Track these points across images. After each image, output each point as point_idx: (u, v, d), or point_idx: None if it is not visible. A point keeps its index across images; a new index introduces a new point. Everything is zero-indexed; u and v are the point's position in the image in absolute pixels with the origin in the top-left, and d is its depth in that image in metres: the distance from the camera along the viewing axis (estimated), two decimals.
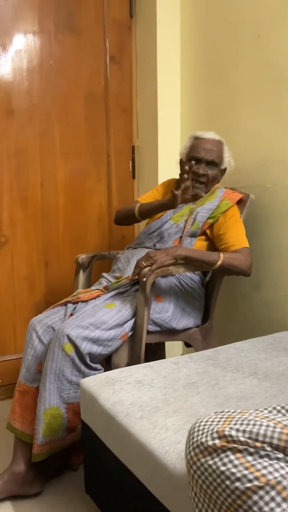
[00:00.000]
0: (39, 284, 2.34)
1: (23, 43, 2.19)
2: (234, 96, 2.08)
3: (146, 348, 1.63)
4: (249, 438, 0.72)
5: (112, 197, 2.49)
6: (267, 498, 0.67)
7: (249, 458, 0.70)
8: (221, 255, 1.65)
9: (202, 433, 0.76)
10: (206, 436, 0.75)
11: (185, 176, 1.64)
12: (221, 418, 0.77)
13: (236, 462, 0.71)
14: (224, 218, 1.81)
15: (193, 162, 1.68)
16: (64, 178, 2.35)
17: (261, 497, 0.67)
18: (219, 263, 1.64)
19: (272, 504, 0.67)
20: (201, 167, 1.81)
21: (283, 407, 0.81)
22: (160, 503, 0.99)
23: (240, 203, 1.88)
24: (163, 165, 2.37)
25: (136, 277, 1.62)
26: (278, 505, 0.67)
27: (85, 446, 1.39)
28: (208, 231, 1.84)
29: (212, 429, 0.75)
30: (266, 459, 0.70)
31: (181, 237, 1.84)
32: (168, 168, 2.33)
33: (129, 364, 1.58)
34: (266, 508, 0.67)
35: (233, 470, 0.70)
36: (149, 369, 1.35)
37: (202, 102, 2.27)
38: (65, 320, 1.62)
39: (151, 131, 2.40)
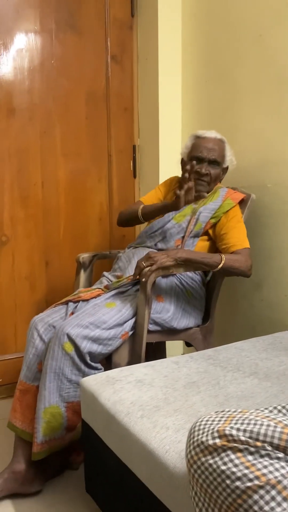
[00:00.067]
0: (40, 284, 2.34)
1: (24, 42, 2.19)
2: (235, 95, 2.08)
3: (147, 347, 1.63)
4: (250, 437, 0.72)
5: (113, 196, 2.49)
6: (267, 497, 0.67)
7: (250, 457, 0.70)
8: (222, 257, 1.65)
9: (203, 433, 0.76)
10: (207, 436, 0.75)
11: (187, 175, 1.64)
12: (221, 417, 0.77)
13: (236, 461, 0.71)
14: (226, 218, 1.81)
15: (194, 162, 1.68)
16: (65, 177, 2.35)
17: (261, 497, 0.67)
18: (220, 265, 1.64)
19: (273, 504, 0.67)
20: (203, 167, 1.81)
21: (283, 407, 0.81)
22: (160, 502, 0.99)
23: (242, 203, 1.88)
24: (164, 164, 2.37)
25: (137, 277, 1.63)
26: (279, 504, 0.67)
27: (85, 445, 1.39)
28: (210, 231, 1.84)
29: (213, 429, 0.75)
30: (266, 458, 0.70)
31: (183, 237, 1.83)
32: (169, 167, 2.33)
33: (129, 363, 1.58)
34: (266, 508, 0.67)
35: (234, 469, 0.70)
36: (149, 368, 1.35)
37: (203, 101, 2.27)
38: (66, 318, 1.62)
39: (152, 130, 2.40)
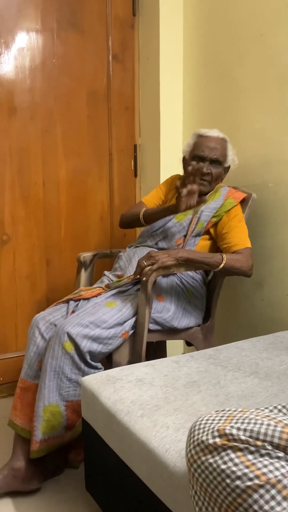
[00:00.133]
0: (40, 283, 2.35)
1: (26, 41, 2.19)
2: (236, 94, 2.08)
3: (147, 346, 1.63)
4: (250, 436, 0.72)
5: (114, 195, 2.49)
6: (267, 496, 0.67)
7: (250, 456, 0.70)
8: (224, 257, 1.65)
9: (203, 432, 0.76)
10: (207, 435, 0.75)
11: (191, 178, 1.64)
12: (222, 416, 0.77)
13: (236, 460, 0.71)
14: (227, 217, 1.81)
15: (194, 162, 1.68)
16: (66, 176, 2.35)
17: (261, 496, 0.67)
18: (221, 265, 1.64)
19: (272, 503, 0.67)
20: (205, 166, 1.81)
21: (284, 406, 0.81)
22: (160, 501, 0.99)
23: (243, 202, 1.88)
24: (165, 163, 2.37)
25: (138, 276, 1.63)
26: (278, 503, 0.67)
27: (85, 444, 1.39)
28: (211, 230, 1.84)
29: (213, 428, 0.75)
30: (266, 458, 0.70)
31: (185, 236, 1.83)
32: (170, 166, 2.33)
33: (130, 362, 1.58)
34: (266, 507, 0.67)
35: (234, 468, 0.70)
36: (150, 367, 1.35)
37: (204, 100, 2.27)
38: (67, 317, 1.62)
39: (153, 129, 2.40)
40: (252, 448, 0.71)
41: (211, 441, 0.74)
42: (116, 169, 2.48)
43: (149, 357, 1.58)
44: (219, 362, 1.39)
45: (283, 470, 0.69)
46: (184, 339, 1.83)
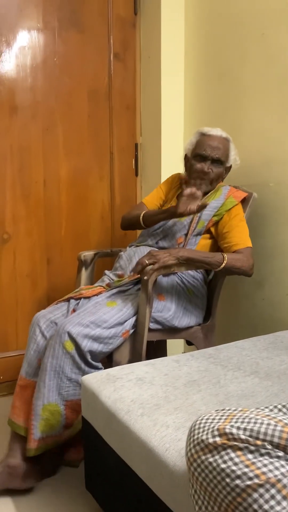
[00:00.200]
0: (41, 281, 2.35)
1: (27, 40, 2.19)
2: (237, 93, 2.08)
3: (148, 345, 1.63)
4: (250, 436, 0.72)
5: (115, 194, 2.49)
6: (267, 496, 0.67)
7: (250, 456, 0.70)
8: (225, 256, 1.65)
9: (203, 431, 0.76)
10: (207, 434, 0.75)
11: (197, 182, 1.69)
12: (222, 416, 0.77)
13: (236, 460, 0.71)
14: (228, 216, 1.80)
15: (198, 166, 1.70)
16: (67, 175, 2.35)
17: (261, 495, 0.67)
18: (222, 265, 1.64)
19: (272, 502, 0.67)
20: (206, 165, 1.80)
21: (284, 406, 0.81)
22: (160, 500, 0.99)
23: (244, 201, 1.88)
24: (166, 163, 2.37)
25: (138, 275, 1.62)
26: (278, 503, 0.67)
27: (85, 443, 1.39)
28: (212, 229, 1.84)
29: (213, 427, 0.75)
30: (266, 457, 0.70)
31: (186, 234, 1.83)
32: (171, 166, 2.32)
33: (130, 361, 1.58)
34: (266, 506, 0.67)
35: (234, 467, 0.70)
36: (150, 366, 1.35)
37: (205, 99, 2.27)
38: (67, 315, 1.62)
39: (154, 128, 2.40)
40: (252, 448, 0.71)
41: (211, 440, 0.74)
42: (117, 168, 2.48)
43: (149, 356, 1.59)
44: (219, 361, 1.39)
45: (283, 470, 0.69)
46: (185, 338, 1.83)
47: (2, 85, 2.16)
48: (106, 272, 1.89)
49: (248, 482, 0.68)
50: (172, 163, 2.32)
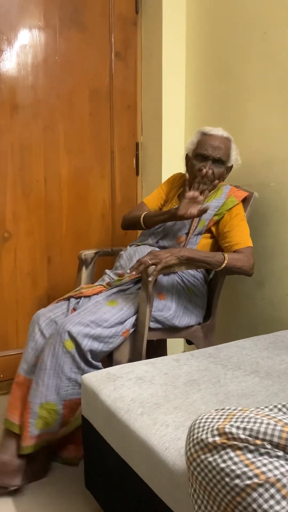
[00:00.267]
0: (41, 280, 2.35)
1: (28, 38, 2.19)
2: (239, 93, 2.08)
3: (148, 344, 1.63)
4: (250, 435, 0.71)
5: (115, 193, 2.49)
6: (266, 495, 0.67)
7: (249, 455, 0.70)
8: (225, 256, 1.65)
9: (203, 430, 0.76)
10: (207, 433, 0.75)
11: (201, 186, 1.69)
12: (221, 415, 0.77)
13: (236, 459, 0.71)
14: (229, 215, 1.80)
15: (203, 170, 1.73)
16: (67, 174, 2.35)
17: (260, 495, 0.67)
18: (223, 265, 1.64)
19: (271, 502, 0.67)
20: (207, 165, 1.80)
21: (284, 405, 0.81)
22: (159, 499, 0.99)
23: (244, 201, 1.88)
24: (166, 162, 2.36)
25: (138, 274, 1.62)
26: (278, 502, 0.67)
27: (85, 441, 1.39)
28: (213, 228, 1.84)
29: (213, 426, 0.75)
30: (266, 456, 0.70)
31: (187, 234, 1.83)
32: (171, 165, 2.32)
33: (130, 360, 1.58)
34: (265, 506, 0.67)
35: (233, 467, 0.70)
36: (150, 365, 1.35)
37: (206, 99, 2.27)
38: (68, 314, 1.62)
39: (155, 128, 2.39)
40: (252, 447, 0.71)
41: (210, 439, 0.74)
42: (118, 167, 2.48)
43: (149, 355, 1.59)
44: (219, 360, 1.38)
45: (282, 469, 0.69)
46: (185, 338, 1.83)
47: (3, 83, 2.16)
48: (107, 271, 1.89)
49: (248, 482, 0.68)
50: (173, 163, 2.32)
